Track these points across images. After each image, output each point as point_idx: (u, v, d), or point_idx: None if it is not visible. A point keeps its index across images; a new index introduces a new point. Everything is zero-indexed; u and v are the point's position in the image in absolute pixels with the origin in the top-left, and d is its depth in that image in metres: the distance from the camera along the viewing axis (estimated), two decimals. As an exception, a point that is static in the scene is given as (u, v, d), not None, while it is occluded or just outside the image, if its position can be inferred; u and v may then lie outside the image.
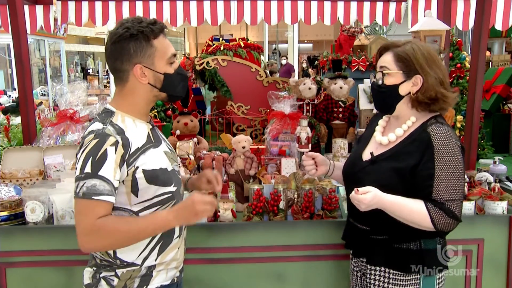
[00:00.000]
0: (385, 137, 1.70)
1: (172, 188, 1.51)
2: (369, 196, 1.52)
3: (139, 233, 1.40)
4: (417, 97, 1.61)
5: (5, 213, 2.12)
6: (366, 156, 1.72)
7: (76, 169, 1.39)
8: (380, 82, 1.66)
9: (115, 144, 1.38)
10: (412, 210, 1.55)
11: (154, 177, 1.45)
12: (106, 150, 1.36)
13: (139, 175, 1.42)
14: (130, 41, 1.42)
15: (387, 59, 1.65)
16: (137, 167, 1.42)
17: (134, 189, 1.42)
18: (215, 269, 2.14)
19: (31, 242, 2.08)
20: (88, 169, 1.35)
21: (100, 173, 1.35)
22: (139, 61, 1.44)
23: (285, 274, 2.16)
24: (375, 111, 3.25)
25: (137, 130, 1.47)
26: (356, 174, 1.71)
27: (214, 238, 2.12)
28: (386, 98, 1.67)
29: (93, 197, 1.34)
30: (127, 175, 1.41)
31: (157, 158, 1.48)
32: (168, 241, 1.53)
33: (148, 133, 1.51)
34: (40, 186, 2.34)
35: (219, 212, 2.19)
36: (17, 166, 2.61)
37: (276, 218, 2.17)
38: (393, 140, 1.67)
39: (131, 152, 1.41)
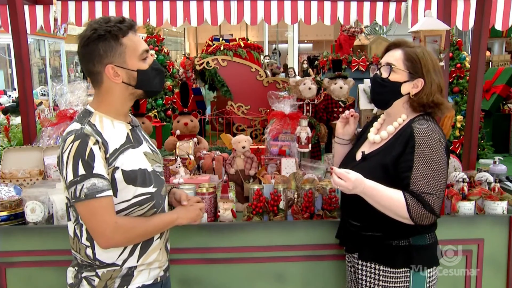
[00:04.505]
0: (378, 135, 1.74)
1: (151, 189, 1.50)
2: (352, 176, 1.55)
3: (154, 228, 1.50)
4: (420, 98, 1.65)
5: (5, 213, 2.12)
6: (359, 156, 1.76)
7: (65, 174, 1.38)
8: (385, 75, 1.68)
9: (97, 143, 1.39)
10: (391, 197, 1.57)
11: (133, 177, 1.45)
12: (91, 149, 1.37)
13: (118, 175, 1.42)
14: (99, 42, 1.41)
15: (396, 56, 1.68)
16: (117, 167, 1.42)
17: (114, 190, 1.42)
18: (215, 269, 2.13)
19: (31, 242, 2.08)
20: (81, 171, 1.35)
21: (95, 171, 1.36)
22: (110, 61, 1.43)
23: (285, 274, 2.16)
24: (375, 111, 3.26)
25: (115, 131, 1.47)
26: None
27: (214, 238, 2.12)
28: (386, 93, 1.70)
29: (96, 196, 1.35)
30: (108, 174, 1.41)
31: (135, 159, 1.48)
32: (149, 243, 1.52)
33: (128, 133, 1.51)
34: (40, 186, 2.34)
35: (219, 212, 2.19)
36: (17, 166, 2.60)
37: (276, 218, 2.17)
38: (385, 138, 1.72)
39: (109, 153, 1.41)
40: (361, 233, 1.73)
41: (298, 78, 10.92)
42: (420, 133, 1.59)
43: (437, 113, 1.69)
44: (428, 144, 1.58)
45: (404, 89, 1.67)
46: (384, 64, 1.69)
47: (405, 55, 1.66)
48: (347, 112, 1.91)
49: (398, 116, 1.71)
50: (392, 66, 1.67)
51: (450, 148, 5.78)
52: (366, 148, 1.76)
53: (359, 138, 1.90)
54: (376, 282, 1.69)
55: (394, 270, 1.66)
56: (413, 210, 1.55)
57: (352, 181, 1.55)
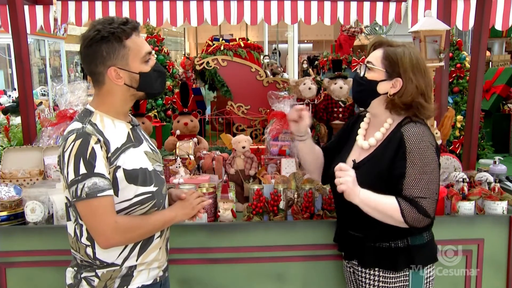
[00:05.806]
0: (366, 141, 1.71)
1: (152, 188, 1.50)
2: (352, 173, 1.55)
3: (154, 226, 1.49)
4: (392, 99, 1.62)
5: (5, 213, 2.12)
6: (349, 164, 1.71)
7: (66, 173, 1.38)
8: (362, 74, 1.67)
9: (98, 142, 1.39)
10: (385, 202, 1.56)
11: (134, 176, 1.45)
12: (93, 148, 1.36)
13: (120, 174, 1.42)
14: (102, 44, 1.40)
15: (376, 55, 1.66)
16: (118, 166, 1.42)
17: (115, 189, 1.42)
18: (215, 269, 2.13)
19: (31, 242, 2.08)
20: (83, 170, 1.35)
21: (96, 170, 1.36)
22: (113, 63, 1.42)
23: (285, 274, 2.15)
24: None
25: (116, 130, 1.47)
26: None
27: (214, 238, 2.12)
28: (363, 92, 1.69)
29: (98, 195, 1.35)
30: (109, 173, 1.41)
31: (137, 158, 1.48)
32: (149, 241, 1.52)
33: (128, 132, 1.51)
34: (40, 186, 2.34)
35: (219, 212, 2.19)
36: (17, 166, 2.60)
37: (276, 218, 2.17)
38: (373, 145, 1.69)
39: (111, 152, 1.41)
40: (359, 237, 1.71)
41: (285, 74, 10.85)
42: (410, 138, 1.57)
43: (420, 114, 1.63)
44: (419, 149, 1.56)
45: (381, 88, 1.63)
46: (365, 63, 1.68)
47: (384, 53, 1.63)
48: (296, 107, 1.78)
49: (383, 118, 1.68)
50: (368, 65, 1.65)
51: (450, 148, 5.80)
52: (356, 155, 1.73)
53: (347, 141, 1.84)
54: (376, 284, 1.69)
55: (394, 271, 1.66)
56: (407, 214, 1.54)
57: (350, 171, 1.55)
